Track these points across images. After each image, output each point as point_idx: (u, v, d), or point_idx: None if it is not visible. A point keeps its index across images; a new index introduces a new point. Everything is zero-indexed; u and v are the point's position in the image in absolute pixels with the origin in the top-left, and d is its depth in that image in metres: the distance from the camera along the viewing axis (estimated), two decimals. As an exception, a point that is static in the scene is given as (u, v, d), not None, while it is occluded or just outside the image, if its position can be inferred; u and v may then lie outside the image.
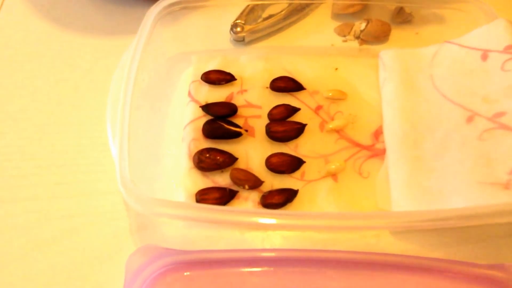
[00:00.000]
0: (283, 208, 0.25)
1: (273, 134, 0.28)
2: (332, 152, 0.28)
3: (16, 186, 0.27)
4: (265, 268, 0.23)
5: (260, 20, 0.32)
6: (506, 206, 0.21)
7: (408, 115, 0.28)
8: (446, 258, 0.23)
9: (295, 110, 0.29)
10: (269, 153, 0.27)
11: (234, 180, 0.26)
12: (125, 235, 0.25)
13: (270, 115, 0.29)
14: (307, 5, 0.33)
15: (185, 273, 0.23)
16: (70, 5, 0.35)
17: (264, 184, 0.26)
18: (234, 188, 0.26)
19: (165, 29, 0.30)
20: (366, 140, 0.28)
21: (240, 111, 0.29)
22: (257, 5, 0.32)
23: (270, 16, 0.32)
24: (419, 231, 0.25)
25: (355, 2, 0.32)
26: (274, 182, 0.27)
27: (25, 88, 0.32)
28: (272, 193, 0.26)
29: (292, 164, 0.27)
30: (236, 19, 0.32)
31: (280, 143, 0.28)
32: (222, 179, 0.26)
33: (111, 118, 0.26)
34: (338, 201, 0.26)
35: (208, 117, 0.29)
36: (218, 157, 0.26)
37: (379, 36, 0.32)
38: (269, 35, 0.33)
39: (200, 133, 0.28)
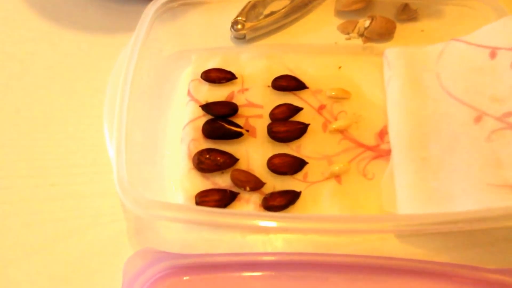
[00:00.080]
0: (285, 210, 0.25)
1: (275, 134, 0.28)
2: (335, 153, 0.27)
3: (10, 187, 0.27)
4: (267, 273, 0.23)
5: (261, 17, 0.32)
6: (516, 209, 0.21)
7: (414, 115, 0.27)
8: (453, 262, 0.23)
9: (297, 109, 0.29)
10: (271, 154, 0.27)
11: (235, 181, 0.26)
12: (123, 238, 0.25)
13: (271, 114, 0.28)
14: (310, 1, 0.33)
15: (185, 278, 0.23)
16: (66, 2, 0.35)
17: (265, 185, 0.26)
18: (235, 189, 0.26)
19: (164, 27, 0.30)
20: (370, 140, 0.28)
21: (241, 110, 0.29)
22: (258, 1, 0.32)
23: (271, 13, 0.32)
24: (425, 234, 0.25)
25: (359, -1, 0.32)
26: (276, 183, 0.26)
27: (19, 87, 0.31)
28: (274, 195, 0.25)
29: (294, 165, 0.26)
30: (237, 16, 0.32)
31: (282, 144, 0.28)
32: (223, 181, 0.26)
33: (108, 118, 0.26)
34: (342, 203, 0.26)
35: (208, 117, 0.28)
36: (219, 158, 0.26)
37: (384, 33, 0.32)
38: (270, 32, 0.33)
39: (200, 133, 0.28)
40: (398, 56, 0.30)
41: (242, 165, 0.27)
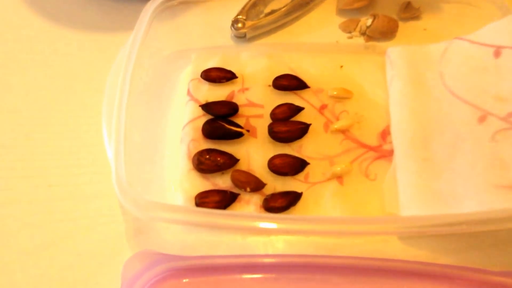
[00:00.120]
0: (286, 211, 0.25)
1: (276, 135, 0.27)
2: (337, 153, 0.27)
3: (7, 188, 0.27)
4: (268, 275, 0.23)
5: (262, 15, 0.32)
6: (521, 210, 0.21)
7: (417, 115, 0.27)
8: (457, 264, 0.23)
9: (298, 109, 0.28)
10: (272, 154, 0.27)
11: (235, 182, 0.26)
12: (121, 240, 0.25)
13: (272, 114, 0.28)
14: (311, 0, 0.33)
15: (184, 280, 0.23)
16: (64, 0, 0.35)
17: (266, 186, 0.26)
18: (235, 190, 0.26)
19: (163, 25, 0.30)
20: (372, 140, 0.28)
21: (242, 110, 0.29)
22: (259, 0, 0.32)
23: (272, 12, 0.32)
24: (428, 236, 0.25)
25: (361, -3, 0.32)
26: (277, 184, 0.26)
27: (16, 86, 0.31)
28: (274, 196, 0.25)
29: (295, 166, 0.26)
30: (237, 15, 0.32)
31: (283, 144, 0.27)
32: (223, 182, 0.26)
33: (106, 118, 0.26)
34: (343, 204, 0.25)
35: (208, 117, 0.28)
36: (219, 158, 0.26)
37: (386, 32, 0.32)
38: (271, 31, 0.33)
39: (199, 133, 0.27)
40: (401, 55, 0.29)
41: (242, 165, 0.27)
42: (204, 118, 0.28)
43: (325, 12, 0.33)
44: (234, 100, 0.29)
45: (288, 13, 0.32)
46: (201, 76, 0.30)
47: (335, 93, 0.29)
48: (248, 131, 0.27)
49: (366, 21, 0.32)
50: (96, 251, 0.25)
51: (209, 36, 0.32)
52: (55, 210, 0.26)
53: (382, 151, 0.27)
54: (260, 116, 0.28)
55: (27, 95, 0.31)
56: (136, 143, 0.25)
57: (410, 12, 0.32)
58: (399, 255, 0.24)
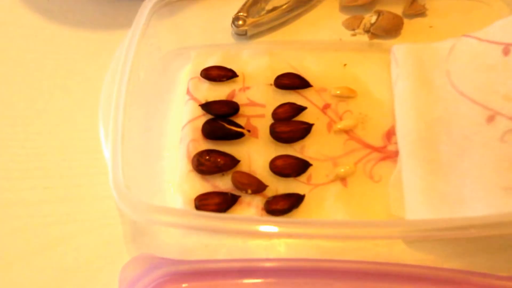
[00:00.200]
0: (288, 214, 0.25)
1: (278, 135, 0.27)
2: (340, 154, 0.27)
3: (1, 189, 0.27)
4: (269, 280, 0.23)
5: (263, 12, 0.32)
6: (532, 214, 0.21)
7: (423, 115, 0.27)
8: (464, 269, 0.23)
9: (301, 109, 0.28)
10: (274, 155, 0.26)
11: (236, 184, 0.25)
12: (119, 244, 0.25)
13: (274, 114, 0.28)
14: (314, -4, 0.33)
15: (183, 285, 0.22)
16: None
17: (268, 188, 0.26)
18: (236, 192, 0.25)
19: (162, 22, 0.29)
20: (377, 141, 0.27)
21: (242, 110, 0.28)
22: None
23: (274, 8, 0.32)
24: (435, 239, 0.24)
25: (365, -7, 0.32)
26: (278, 186, 0.26)
27: (11, 85, 0.31)
28: (276, 198, 0.25)
29: (298, 167, 0.26)
30: (238, 12, 0.32)
31: (285, 145, 0.27)
32: (223, 183, 0.26)
33: (103, 118, 0.25)
34: (347, 207, 0.25)
35: (208, 116, 0.28)
36: (219, 160, 0.26)
37: (391, 29, 0.31)
38: (273, 28, 0.32)
39: (199, 133, 0.27)
40: (406, 53, 0.29)
41: (243, 167, 0.26)
42: (204, 118, 0.28)
43: (328, 9, 0.33)
44: (234, 100, 0.29)
45: (290, 10, 0.32)
46: (201, 74, 0.29)
47: (338, 92, 0.29)
48: (249, 131, 0.27)
49: (370, 18, 0.32)
50: (92, 255, 0.24)
51: (209, 34, 0.32)
52: (50, 213, 0.26)
53: (387, 152, 0.27)
54: (261, 116, 0.28)
55: (22, 94, 0.30)
56: (134, 143, 0.25)
57: (415, 8, 0.32)
58: (405, 259, 0.23)
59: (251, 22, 0.31)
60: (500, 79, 0.26)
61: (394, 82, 0.29)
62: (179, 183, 0.26)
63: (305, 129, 0.27)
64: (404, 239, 0.24)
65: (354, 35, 0.32)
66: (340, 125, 0.28)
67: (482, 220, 0.21)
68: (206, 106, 0.28)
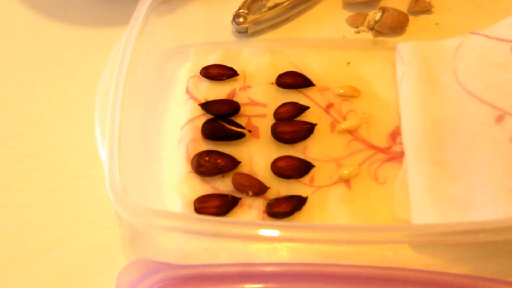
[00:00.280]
0: (290, 217, 0.24)
1: (279, 135, 0.27)
2: (344, 155, 0.27)
3: None
4: (271, 285, 0.22)
5: (264, 9, 0.31)
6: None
7: (429, 114, 0.26)
8: (472, 274, 0.22)
9: (303, 108, 0.28)
10: (275, 156, 0.26)
11: (237, 186, 0.25)
12: (116, 248, 0.24)
13: (276, 114, 0.28)
14: (316, -7, 0.33)
15: None
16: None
17: (269, 190, 0.25)
18: (237, 194, 0.25)
19: (161, 19, 0.29)
20: (382, 142, 0.27)
21: (243, 109, 0.28)
22: None
23: (275, 5, 0.32)
24: (441, 244, 0.24)
25: (369, -10, 0.32)
26: (280, 188, 0.26)
27: (6, 84, 0.31)
28: (278, 200, 0.25)
29: (300, 169, 0.26)
30: (239, 9, 0.31)
31: (287, 145, 0.27)
32: (224, 185, 0.25)
33: (100, 118, 0.25)
34: (351, 209, 0.25)
35: (208, 116, 0.28)
36: (219, 161, 0.25)
37: (396, 27, 0.31)
38: (274, 26, 0.32)
39: (199, 133, 0.27)
40: (412, 51, 0.29)
41: (244, 168, 0.26)
42: (204, 117, 0.27)
43: (331, 5, 0.33)
44: (235, 99, 0.28)
45: (292, 6, 0.32)
46: (200, 73, 0.29)
47: (342, 91, 0.28)
48: (250, 131, 0.27)
49: (375, 15, 0.31)
50: (89, 259, 0.24)
51: (209, 31, 0.32)
52: (45, 215, 0.25)
53: (392, 153, 0.27)
54: (262, 116, 0.28)
55: (17, 92, 0.30)
56: (132, 144, 0.25)
57: (421, 5, 0.32)
58: (410, 263, 0.23)
59: (252, 19, 0.31)
60: (509, 78, 0.26)
61: (399, 81, 0.28)
62: (178, 185, 0.25)
63: (308, 129, 0.27)
64: (410, 244, 0.24)
65: (358, 32, 0.31)
66: (343, 125, 0.27)
67: (491, 225, 0.20)
68: (206, 106, 0.27)
